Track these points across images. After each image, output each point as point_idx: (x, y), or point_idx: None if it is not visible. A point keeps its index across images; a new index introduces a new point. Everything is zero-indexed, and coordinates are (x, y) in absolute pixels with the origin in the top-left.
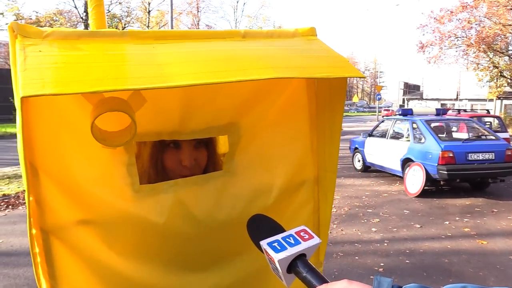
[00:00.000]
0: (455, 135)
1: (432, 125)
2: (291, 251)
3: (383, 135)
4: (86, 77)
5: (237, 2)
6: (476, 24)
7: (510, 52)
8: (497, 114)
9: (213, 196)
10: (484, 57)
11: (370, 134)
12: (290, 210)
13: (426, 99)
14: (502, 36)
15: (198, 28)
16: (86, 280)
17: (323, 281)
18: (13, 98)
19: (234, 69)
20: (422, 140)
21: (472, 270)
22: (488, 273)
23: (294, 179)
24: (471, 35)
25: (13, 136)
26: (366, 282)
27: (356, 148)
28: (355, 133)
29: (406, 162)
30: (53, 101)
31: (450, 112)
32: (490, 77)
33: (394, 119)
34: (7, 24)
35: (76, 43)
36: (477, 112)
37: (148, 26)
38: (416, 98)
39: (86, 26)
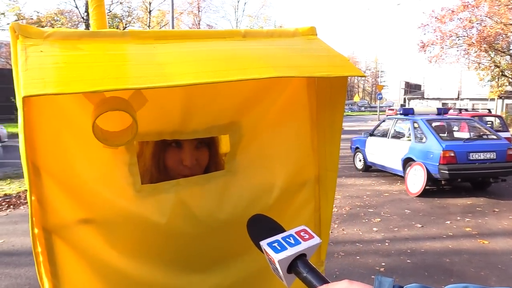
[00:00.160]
0: (456, 134)
1: (433, 124)
2: (291, 251)
3: (384, 134)
4: (87, 77)
5: (238, 1)
6: (477, 24)
7: (511, 51)
8: (499, 113)
9: (214, 196)
10: (485, 57)
11: (371, 134)
12: (291, 209)
13: (427, 99)
14: (504, 36)
15: (199, 27)
16: (88, 279)
17: (324, 281)
18: (14, 98)
19: (234, 68)
20: (423, 140)
21: (473, 270)
22: (489, 272)
23: (295, 178)
24: (473, 34)
25: (15, 136)
26: (367, 282)
27: (357, 148)
28: (357, 132)
29: (407, 161)
30: (55, 101)
31: (451, 111)
32: (492, 76)
33: (395, 118)
34: (8, 24)
35: (77, 43)
36: (478, 111)
37: (149, 26)
38: (417, 98)
39: (87, 26)
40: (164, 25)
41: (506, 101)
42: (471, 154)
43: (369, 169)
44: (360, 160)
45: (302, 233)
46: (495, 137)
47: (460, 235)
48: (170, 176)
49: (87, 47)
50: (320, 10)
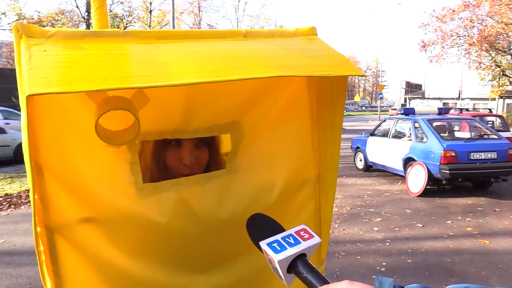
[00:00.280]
0: (457, 134)
1: (434, 124)
2: (291, 251)
3: (385, 134)
4: (90, 76)
5: (239, 1)
6: (478, 23)
7: None
8: (499, 113)
9: (215, 195)
10: (486, 56)
11: (372, 134)
12: (291, 209)
13: (428, 98)
14: (505, 35)
15: (200, 27)
16: (90, 278)
17: (324, 281)
18: (16, 98)
19: (235, 67)
20: (424, 140)
21: (474, 269)
22: (490, 272)
23: (295, 178)
24: (473, 34)
25: None
26: (368, 281)
27: (358, 148)
28: (358, 132)
29: (408, 161)
30: (58, 100)
31: (452, 111)
32: (492, 76)
33: (396, 118)
34: (9, 24)
35: (79, 42)
36: (479, 111)
37: (149, 26)
38: (418, 97)
39: (88, 26)
40: (165, 25)
41: (507, 100)
42: (472, 154)
43: (370, 168)
44: (360, 160)
45: (302, 233)
46: (496, 137)
47: (461, 235)
48: (171, 174)
49: (90, 47)
50: (320, 10)
